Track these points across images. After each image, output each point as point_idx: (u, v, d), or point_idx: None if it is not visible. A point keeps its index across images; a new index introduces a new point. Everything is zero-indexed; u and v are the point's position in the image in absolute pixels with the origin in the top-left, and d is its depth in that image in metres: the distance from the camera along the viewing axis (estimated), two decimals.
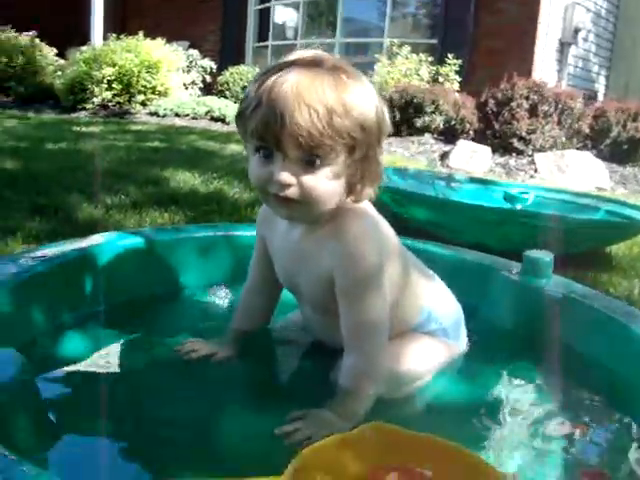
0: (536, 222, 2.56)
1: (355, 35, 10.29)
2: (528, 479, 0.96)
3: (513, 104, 5.64)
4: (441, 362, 1.32)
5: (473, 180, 3.80)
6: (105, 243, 1.52)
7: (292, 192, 1.10)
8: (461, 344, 1.40)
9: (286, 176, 1.08)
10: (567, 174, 5.33)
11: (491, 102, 5.84)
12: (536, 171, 5.41)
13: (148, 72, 8.91)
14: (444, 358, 1.33)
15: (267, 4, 11.29)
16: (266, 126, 1.07)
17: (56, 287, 1.35)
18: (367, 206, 1.25)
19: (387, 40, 8.35)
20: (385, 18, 9.63)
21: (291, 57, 1.14)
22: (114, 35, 9.23)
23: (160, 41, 9.34)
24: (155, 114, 8.52)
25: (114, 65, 8.70)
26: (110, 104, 8.76)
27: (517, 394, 1.29)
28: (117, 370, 1.25)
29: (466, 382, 1.33)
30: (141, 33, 9.17)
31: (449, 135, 6.46)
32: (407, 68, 7.73)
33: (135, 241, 1.58)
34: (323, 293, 1.21)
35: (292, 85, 1.05)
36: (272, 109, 1.05)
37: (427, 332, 1.33)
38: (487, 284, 1.63)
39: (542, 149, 5.67)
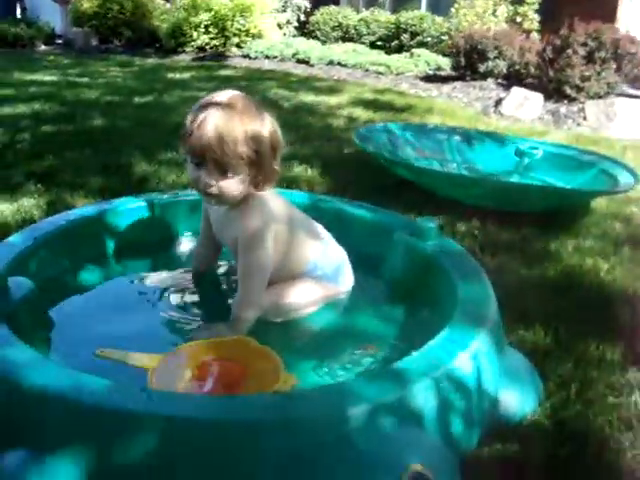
0: (484, 186, 3.01)
1: None
2: (313, 380, 1.55)
3: (569, 51, 5.76)
4: (320, 298, 1.91)
5: (489, 135, 4.17)
6: (117, 205, 2.22)
7: (212, 190, 1.72)
8: (342, 286, 1.98)
9: (208, 180, 1.70)
10: (615, 122, 5.48)
11: (548, 49, 5.98)
12: (585, 119, 5.59)
13: (242, 15, 9.50)
14: (322, 296, 1.92)
15: None
16: (194, 150, 1.69)
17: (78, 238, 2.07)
18: (267, 193, 1.84)
19: None
20: None
21: (220, 96, 1.73)
22: None
23: None
24: (247, 56, 9.15)
25: (210, 10, 9.38)
26: (207, 47, 9.48)
27: (368, 325, 1.86)
28: (110, 290, 1.96)
29: (338, 315, 1.93)
30: None
31: (513, 80, 6.65)
32: (484, 10, 7.84)
33: (139, 205, 2.26)
34: (235, 247, 1.84)
35: (211, 125, 1.64)
36: (198, 140, 1.66)
37: (313, 277, 1.93)
38: (389, 241, 2.15)
39: (597, 96, 5.80)
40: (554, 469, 1.41)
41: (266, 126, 1.73)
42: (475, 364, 1.47)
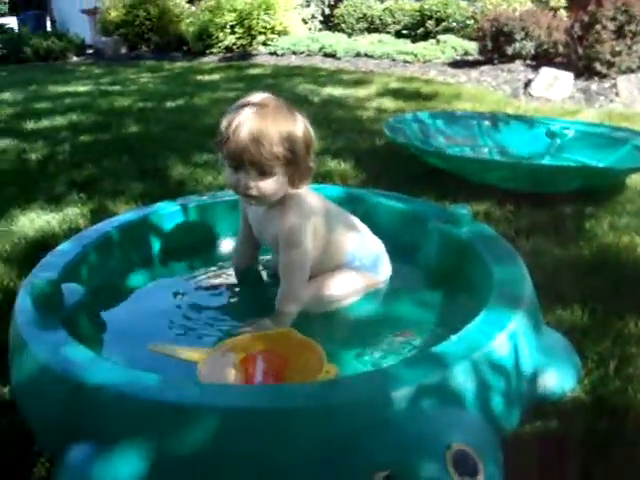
0: (516, 169, 3.02)
1: None
2: (354, 369, 1.61)
3: (598, 26, 5.68)
4: (360, 288, 1.97)
5: (519, 118, 4.16)
6: (158, 210, 2.31)
7: (252, 192, 1.79)
8: (381, 275, 2.03)
9: (246, 182, 1.77)
10: None
11: (576, 25, 5.90)
12: (617, 95, 5.52)
13: (266, 13, 9.56)
14: (362, 286, 1.97)
15: None
16: (232, 155, 1.75)
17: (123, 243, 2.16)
18: (304, 190, 1.90)
19: None
20: None
21: (251, 99, 1.80)
22: None
23: None
24: (274, 54, 9.22)
25: (235, 10, 9.46)
26: (234, 47, 9.57)
27: (407, 312, 1.91)
28: (156, 291, 2.05)
29: (378, 304, 1.98)
30: None
31: (542, 60, 6.59)
32: None
33: (179, 208, 2.34)
34: (275, 244, 1.91)
35: (246, 128, 1.71)
36: (235, 144, 1.73)
37: (352, 268, 1.99)
38: (423, 230, 2.19)
39: (629, 71, 5.71)
40: (594, 444, 1.44)
41: (299, 125, 1.79)
42: (513, 344, 1.50)
